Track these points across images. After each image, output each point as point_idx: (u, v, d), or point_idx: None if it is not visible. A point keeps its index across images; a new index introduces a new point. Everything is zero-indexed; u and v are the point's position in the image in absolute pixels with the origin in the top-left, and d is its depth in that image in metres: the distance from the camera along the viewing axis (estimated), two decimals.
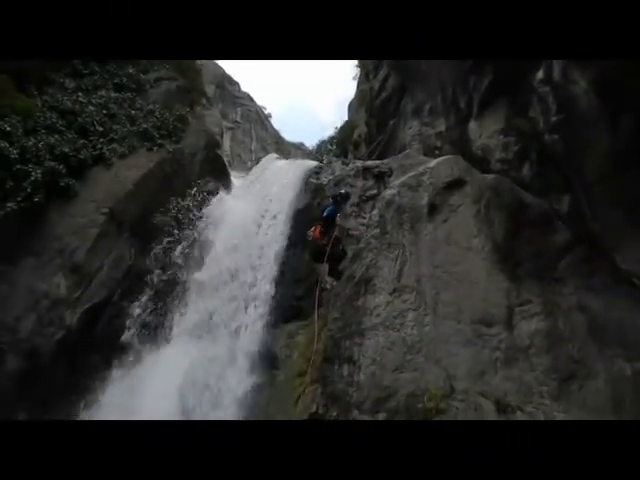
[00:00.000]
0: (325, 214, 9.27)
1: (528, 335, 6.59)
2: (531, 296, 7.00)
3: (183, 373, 7.39)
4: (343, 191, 9.68)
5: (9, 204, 8.23)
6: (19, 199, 8.34)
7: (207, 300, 9.08)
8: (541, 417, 5.20)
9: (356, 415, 5.98)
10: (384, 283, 7.33)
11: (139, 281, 9.13)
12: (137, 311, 8.67)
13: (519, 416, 5.28)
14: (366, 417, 5.92)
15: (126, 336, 8.34)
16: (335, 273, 8.74)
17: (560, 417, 5.17)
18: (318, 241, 8.92)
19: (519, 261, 7.48)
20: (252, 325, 8.55)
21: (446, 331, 6.69)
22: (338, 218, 9.38)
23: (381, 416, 5.86)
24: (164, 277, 9.26)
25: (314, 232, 9.11)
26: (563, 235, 7.54)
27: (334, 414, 6.10)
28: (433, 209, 8.17)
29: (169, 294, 9.22)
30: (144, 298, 8.88)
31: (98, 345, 8.25)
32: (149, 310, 8.80)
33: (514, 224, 7.81)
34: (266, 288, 9.02)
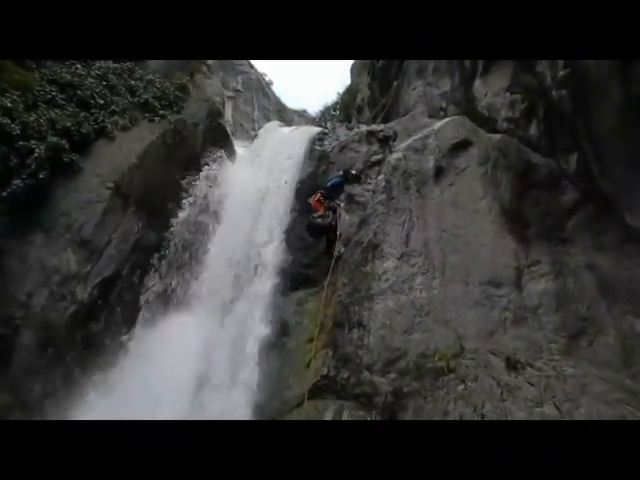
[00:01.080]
0: (329, 184, 9.08)
1: (537, 295, 6.62)
2: (540, 257, 7.01)
3: (197, 339, 7.50)
4: (355, 172, 9.41)
5: (15, 181, 8.22)
6: (24, 176, 8.31)
7: (216, 270, 9.12)
8: (551, 372, 5.27)
9: (367, 376, 6.09)
10: (392, 248, 7.34)
11: (148, 254, 9.17)
12: (147, 283, 8.76)
13: (529, 372, 5.36)
14: (376, 378, 6.03)
15: (138, 308, 8.43)
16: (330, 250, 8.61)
17: (570, 372, 5.25)
18: (314, 213, 8.66)
19: (527, 222, 7.45)
20: (261, 293, 8.60)
21: (455, 293, 6.73)
22: (339, 201, 9.05)
23: (392, 376, 5.97)
24: (172, 249, 9.30)
25: (313, 199, 8.91)
26: (571, 195, 7.48)
27: (345, 375, 6.21)
28: (439, 172, 8.11)
29: (177, 266, 9.27)
30: (153, 270, 8.95)
31: (110, 318, 8.37)
32: (159, 282, 8.87)
33: (521, 185, 7.74)
34: (274, 257, 9.05)
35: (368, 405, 5.82)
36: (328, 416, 5.77)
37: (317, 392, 6.17)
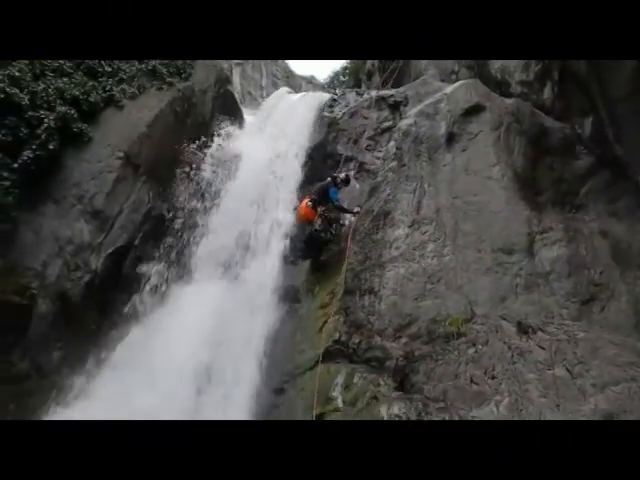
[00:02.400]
0: (331, 197, 8.34)
1: (549, 261, 6.60)
2: (552, 223, 6.95)
3: (209, 308, 7.60)
4: (344, 175, 8.80)
5: (25, 152, 8.23)
6: (34, 147, 8.32)
7: (227, 239, 9.14)
8: (562, 336, 5.29)
9: (378, 341, 6.17)
10: (403, 216, 7.32)
11: (159, 223, 9.21)
12: (159, 252, 8.82)
13: (540, 336, 5.38)
14: (387, 342, 6.11)
15: (150, 276, 8.53)
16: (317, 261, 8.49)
17: (581, 336, 5.26)
18: (315, 224, 8.31)
19: (540, 189, 7.37)
20: (272, 262, 8.65)
21: (466, 260, 6.73)
22: (334, 203, 8.36)
23: (403, 341, 6.04)
24: (183, 218, 9.33)
25: (302, 205, 8.43)
26: (585, 160, 7.37)
27: (356, 341, 6.29)
28: (451, 138, 8.00)
29: (189, 234, 9.31)
30: (165, 239, 9.00)
31: (124, 286, 8.48)
32: (171, 250, 8.92)
33: (535, 151, 7.63)
34: (283, 225, 9.06)
35: (379, 368, 5.91)
36: (340, 379, 5.87)
37: (329, 356, 6.27)
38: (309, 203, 8.25)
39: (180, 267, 8.87)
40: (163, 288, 8.40)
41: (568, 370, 5.01)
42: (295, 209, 8.54)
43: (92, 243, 8.44)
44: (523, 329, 5.72)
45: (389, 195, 7.57)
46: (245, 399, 6.48)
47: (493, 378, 5.19)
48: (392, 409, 5.16)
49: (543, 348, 5.37)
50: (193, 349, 6.95)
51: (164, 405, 6.15)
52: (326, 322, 6.87)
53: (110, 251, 8.53)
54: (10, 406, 7.18)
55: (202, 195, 9.63)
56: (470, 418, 4.85)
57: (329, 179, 8.62)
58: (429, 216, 7.18)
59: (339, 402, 5.67)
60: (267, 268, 8.52)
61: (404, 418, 5.05)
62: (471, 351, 5.63)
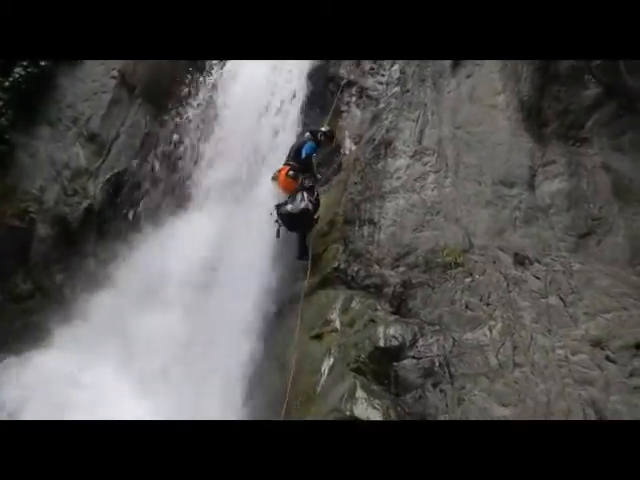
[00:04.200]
0: (299, 153, 7.14)
1: (549, 195, 6.56)
2: (555, 156, 6.85)
3: (211, 229, 7.64)
4: (326, 128, 7.48)
5: (16, 69, 7.97)
6: (25, 64, 8.04)
7: (225, 164, 8.98)
8: (558, 267, 5.39)
9: (376, 269, 6.26)
10: (405, 146, 7.20)
11: (156, 148, 9.06)
12: (158, 177, 8.73)
13: (536, 267, 5.48)
14: (386, 271, 6.20)
15: (149, 201, 8.50)
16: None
17: (577, 267, 5.36)
18: (283, 200, 6.92)
19: (545, 120, 7.19)
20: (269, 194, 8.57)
21: (466, 192, 6.70)
22: (313, 159, 7.16)
23: (401, 269, 6.13)
24: (182, 142, 9.14)
25: (279, 176, 7.06)
26: (593, 90, 7.13)
27: (355, 269, 6.39)
28: (457, 62, 7.70)
29: (187, 159, 9.17)
30: (163, 164, 8.87)
31: (123, 211, 8.47)
32: (169, 175, 8.82)
33: (542, 78, 7.36)
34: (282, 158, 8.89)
35: (377, 294, 6.04)
36: (338, 304, 6.03)
37: (328, 283, 6.40)
38: (290, 172, 6.87)
39: (179, 191, 8.80)
40: (162, 212, 8.38)
41: (561, 299, 5.14)
42: (273, 178, 7.15)
43: (89, 168, 8.39)
44: (520, 260, 5.80)
45: (391, 123, 7.41)
46: (249, 313, 6.58)
47: (488, 305, 5.33)
48: (389, 330, 5.35)
49: (538, 278, 5.48)
50: (192, 268, 7.06)
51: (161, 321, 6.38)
52: (325, 250, 6.94)
53: (107, 177, 8.46)
54: (16, 323, 7.44)
55: (202, 119, 9.36)
56: (464, 340, 5.05)
57: (307, 133, 7.35)
58: (431, 147, 7.08)
59: (337, 324, 5.85)
60: (267, 194, 8.43)
61: (400, 340, 5.25)
62: (468, 280, 5.74)
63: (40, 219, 8.29)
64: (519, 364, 4.77)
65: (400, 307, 5.84)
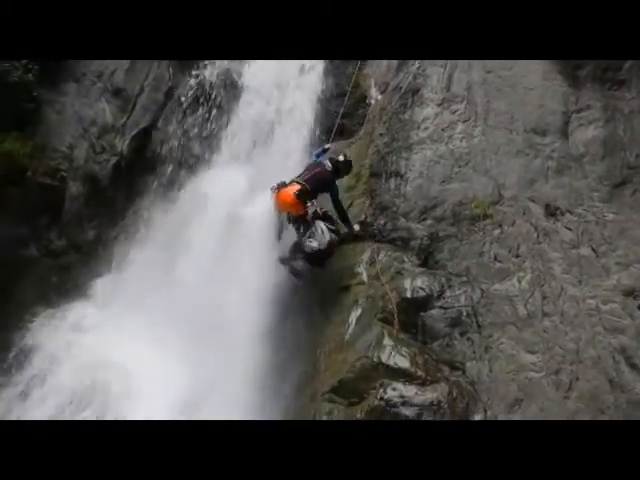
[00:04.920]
0: (318, 180, 6.18)
1: (583, 143, 6.34)
2: (591, 101, 6.56)
3: (235, 189, 7.67)
4: (342, 158, 6.65)
5: None
6: None
7: (248, 126, 8.91)
8: (591, 218, 5.28)
9: (403, 222, 6.23)
10: (432, 93, 6.98)
11: (181, 104, 8.98)
12: (183, 134, 8.69)
13: (568, 217, 5.38)
14: (413, 224, 6.17)
15: (176, 156, 8.53)
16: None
17: (610, 217, 5.23)
18: (305, 237, 5.93)
19: (579, 62, 6.86)
20: (295, 147, 8.49)
21: (496, 142, 6.52)
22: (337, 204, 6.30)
23: (428, 222, 6.09)
24: (206, 96, 9.02)
25: (288, 193, 5.95)
26: None
27: (382, 222, 6.37)
28: None
29: (211, 117, 9.08)
30: (188, 120, 8.81)
31: (150, 168, 8.53)
32: (195, 130, 8.78)
33: None
34: (307, 106, 8.74)
35: (404, 247, 6.03)
36: (365, 256, 6.06)
37: (355, 236, 6.40)
38: (298, 193, 5.91)
39: (204, 150, 8.78)
40: (190, 169, 8.41)
41: (593, 249, 5.06)
42: (274, 191, 6.18)
43: (115, 124, 8.43)
44: (551, 211, 5.69)
45: (419, 69, 7.16)
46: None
47: (517, 256, 5.29)
48: (415, 282, 5.39)
49: (570, 229, 5.39)
50: (221, 220, 7.17)
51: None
52: (351, 204, 6.91)
53: (134, 133, 8.50)
54: (53, 278, 7.73)
55: (227, 70, 9.13)
56: (492, 291, 5.05)
57: (327, 163, 6.45)
58: (460, 93, 6.84)
59: (364, 277, 5.90)
60: (292, 154, 8.37)
61: (427, 291, 5.29)
62: (496, 232, 5.68)
63: (71, 177, 8.45)
64: (548, 313, 4.77)
65: (427, 260, 5.84)
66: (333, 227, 6.02)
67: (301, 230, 6.04)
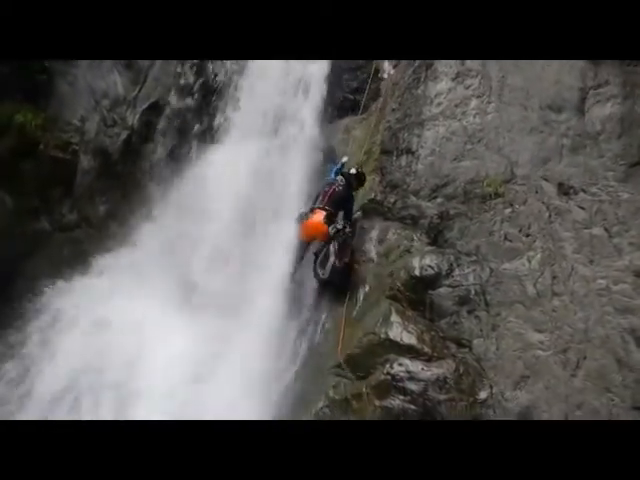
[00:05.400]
0: (338, 199, 6.28)
1: (600, 120, 6.19)
2: (609, 76, 6.37)
3: (246, 163, 7.66)
4: (354, 171, 6.58)
5: None
6: None
7: (259, 99, 8.83)
8: (605, 197, 5.18)
9: (413, 200, 6.18)
10: (446, 67, 6.83)
11: (193, 78, 8.91)
12: (194, 108, 8.64)
13: (581, 196, 5.29)
14: (423, 202, 6.12)
15: (187, 133, 8.49)
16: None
17: (625, 197, 5.13)
18: (318, 265, 6.06)
19: None
20: (307, 120, 8.42)
21: (511, 118, 6.39)
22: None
23: (438, 201, 6.03)
24: (218, 72, 8.94)
25: (315, 222, 6.04)
26: None
27: (392, 200, 6.33)
28: None
29: (222, 94, 9.02)
30: (199, 95, 8.75)
31: (161, 143, 8.52)
32: (205, 108, 8.71)
33: None
34: (318, 80, 8.61)
35: (413, 226, 6.00)
36: (374, 234, 6.06)
37: (364, 214, 6.39)
38: (325, 220, 5.96)
39: (215, 126, 8.74)
40: (200, 146, 8.38)
41: (606, 229, 4.98)
42: (301, 221, 6.23)
43: (127, 97, 8.43)
44: (564, 190, 5.60)
45: None
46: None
47: (528, 236, 5.24)
48: (424, 260, 5.37)
49: (583, 208, 5.30)
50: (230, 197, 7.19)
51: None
52: None
53: (145, 106, 8.49)
54: (65, 251, 7.83)
55: None
56: (501, 270, 5.02)
57: (339, 179, 6.45)
58: (474, 67, 6.68)
59: (373, 254, 5.91)
60: (302, 128, 8.31)
61: (436, 269, 5.27)
62: (508, 211, 5.61)
63: (82, 150, 8.49)
64: (558, 293, 4.74)
65: (436, 238, 5.80)
66: (338, 249, 5.91)
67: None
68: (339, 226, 5.96)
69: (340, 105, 8.44)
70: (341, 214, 6.30)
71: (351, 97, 8.33)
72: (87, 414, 6.08)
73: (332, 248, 5.90)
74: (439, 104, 6.71)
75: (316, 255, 6.16)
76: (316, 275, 6.07)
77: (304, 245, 6.31)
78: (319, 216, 6.02)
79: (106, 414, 6.02)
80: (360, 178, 6.57)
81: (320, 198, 6.27)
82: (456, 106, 6.61)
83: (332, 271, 5.86)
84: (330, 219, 6.00)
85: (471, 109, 6.56)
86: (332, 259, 5.84)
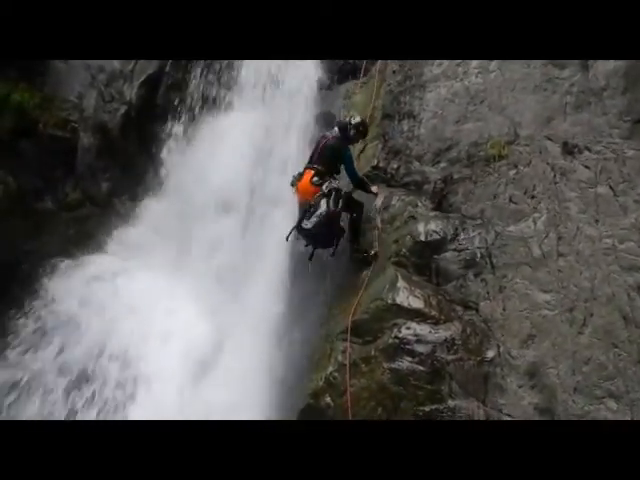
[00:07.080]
0: (328, 153, 5.76)
1: (604, 75, 6.06)
2: None
3: (246, 136, 7.60)
4: (358, 119, 6.01)
5: None
6: None
7: (256, 69, 8.68)
8: (610, 155, 5.13)
9: (416, 166, 6.15)
10: None
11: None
12: (193, 78, 8.50)
13: (586, 155, 5.23)
14: (426, 167, 6.08)
15: (186, 105, 8.39)
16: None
17: (630, 154, 5.07)
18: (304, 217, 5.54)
19: None
20: (306, 89, 8.29)
21: (513, 77, 6.27)
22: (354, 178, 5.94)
23: (441, 165, 6.00)
24: None
25: (303, 183, 5.66)
26: None
27: (395, 166, 6.30)
28: None
29: (221, 65, 8.86)
30: (196, 68, 8.60)
31: (160, 116, 8.42)
32: (206, 77, 8.57)
33: None
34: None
35: (417, 191, 5.99)
36: (378, 201, 6.05)
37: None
38: (315, 179, 5.53)
39: (214, 97, 8.62)
40: (199, 118, 8.29)
41: (611, 188, 4.95)
42: (293, 184, 5.84)
43: (123, 71, 8.28)
44: (568, 149, 5.54)
45: None
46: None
47: (533, 197, 5.22)
48: (429, 226, 5.40)
49: (588, 167, 5.26)
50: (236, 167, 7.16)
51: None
52: (364, 148, 6.81)
53: (142, 79, 8.37)
54: (70, 231, 7.87)
55: None
56: (507, 233, 5.04)
57: (335, 130, 5.90)
58: None
59: (378, 222, 5.91)
60: (301, 96, 8.19)
61: (441, 234, 5.30)
62: (512, 172, 5.58)
63: (82, 127, 8.41)
64: (563, 254, 4.76)
65: (441, 203, 5.80)
66: (332, 202, 5.44)
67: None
68: (334, 184, 5.53)
69: (339, 69, 8.29)
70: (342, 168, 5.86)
71: (350, 62, 8.17)
72: (89, 391, 6.16)
73: (323, 202, 5.42)
74: (440, 64, 6.60)
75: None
76: (300, 230, 5.58)
77: (302, 209, 5.77)
78: (307, 177, 5.61)
79: (111, 392, 6.12)
80: (358, 128, 5.94)
81: (312, 155, 5.85)
82: (458, 65, 6.50)
83: (318, 223, 5.39)
84: (321, 177, 5.53)
85: (473, 68, 6.44)
86: (322, 209, 5.37)
